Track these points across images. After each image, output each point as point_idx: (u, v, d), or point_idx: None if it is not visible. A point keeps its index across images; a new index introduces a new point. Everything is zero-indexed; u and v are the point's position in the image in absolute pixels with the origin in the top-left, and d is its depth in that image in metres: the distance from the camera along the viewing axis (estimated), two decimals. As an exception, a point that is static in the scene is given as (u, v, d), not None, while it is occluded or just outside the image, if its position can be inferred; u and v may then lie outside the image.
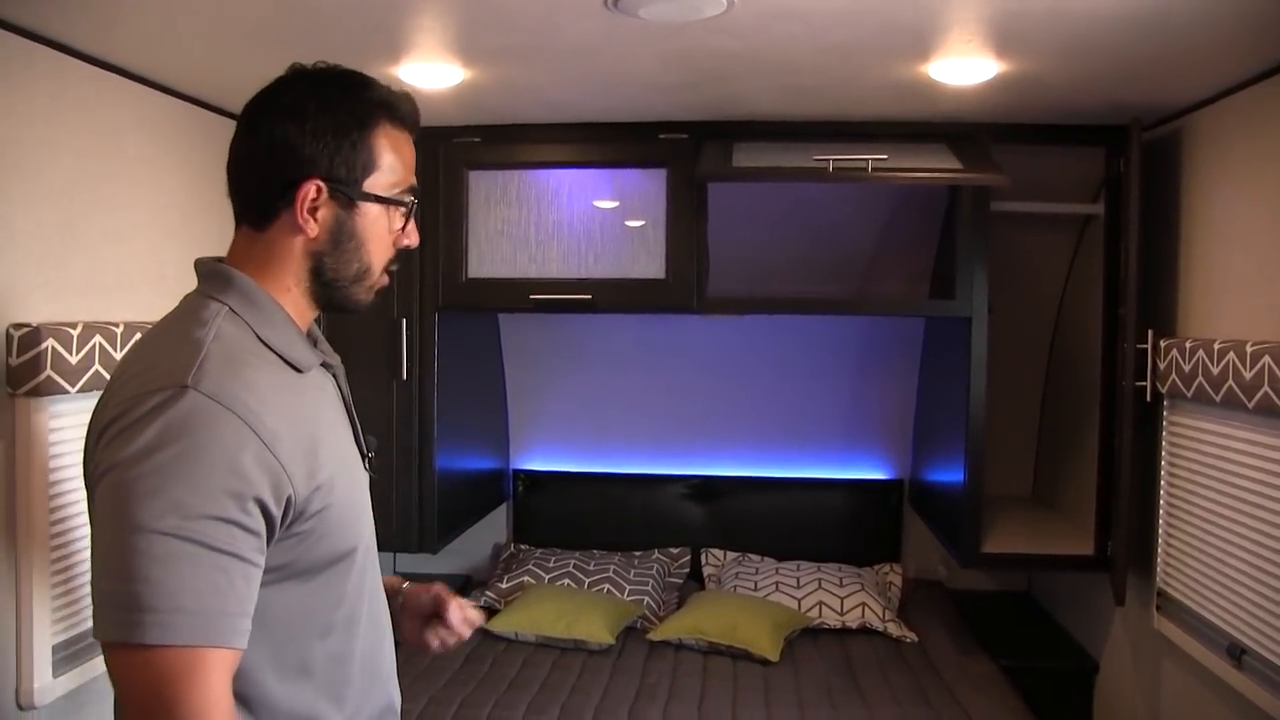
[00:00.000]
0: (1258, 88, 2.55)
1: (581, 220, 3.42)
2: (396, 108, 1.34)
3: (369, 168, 1.31)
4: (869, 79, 2.68)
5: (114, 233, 2.53)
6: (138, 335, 2.46)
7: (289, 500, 1.18)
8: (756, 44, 2.37)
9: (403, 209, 1.37)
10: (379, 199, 1.33)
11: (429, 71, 2.59)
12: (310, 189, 1.27)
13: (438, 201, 3.41)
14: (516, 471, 4.50)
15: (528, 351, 4.42)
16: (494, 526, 4.46)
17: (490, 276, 3.44)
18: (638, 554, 4.28)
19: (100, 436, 1.16)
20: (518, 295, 3.41)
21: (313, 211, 1.28)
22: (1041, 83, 2.67)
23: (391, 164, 1.33)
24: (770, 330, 4.27)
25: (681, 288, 3.36)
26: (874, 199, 3.75)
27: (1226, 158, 2.71)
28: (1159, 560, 3.01)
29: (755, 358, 4.36)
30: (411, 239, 1.40)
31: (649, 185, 3.39)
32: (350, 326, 3.42)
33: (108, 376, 2.32)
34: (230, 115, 3.02)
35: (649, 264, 3.39)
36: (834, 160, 2.89)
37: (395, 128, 1.34)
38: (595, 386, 4.43)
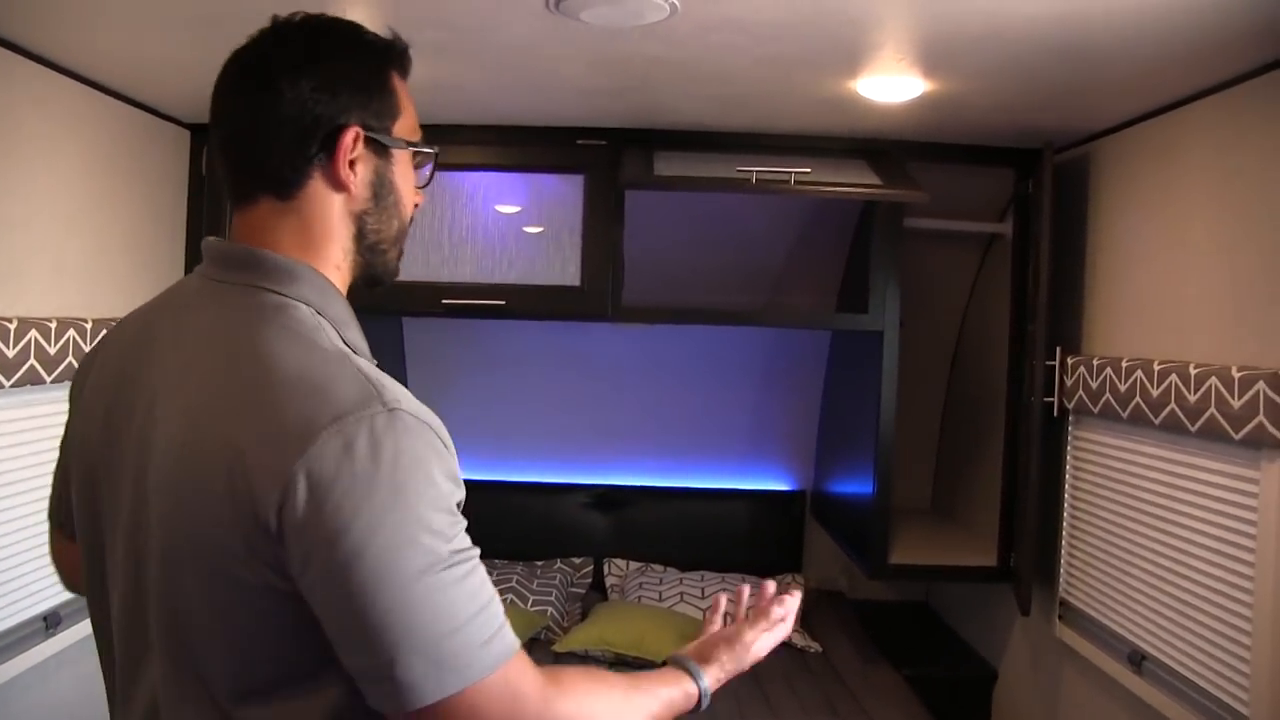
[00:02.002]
0: (1163, 118, 2.66)
1: (496, 224, 3.36)
2: (403, 56, 1.23)
3: (395, 114, 1.20)
4: (798, 92, 2.70)
5: (7, 219, 2.38)
6: (33, 332, 2.33)
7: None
8: (692, 53, 2.36)
9: (425, 157, 1.26)
10: (410, 145, 1.22)
11: (353, 67, 2.51)
12: (349, 137, 1.13)
13: (348, 201, 3.32)
14: (415, 478, 4.40)
15: (431, 354, 4.33)
16: (391, 535, 4.36)
17: (400, 279, 3.33)
18: (539, 564, 4.22)
19: (288, 498, 0.96)
20: (429, 299, 3.33)
21: (351, 164, 1.15)
22: (963, 104, 2.73)
23: (409, 111, 1.23)
24: (676, 339, 4.26)
25: (596, 295, 3.33)
26: (786, 213, 3.77)
27: (1132, 183, 2.81)
28: (1062, 571, 3.10)
29: (660, 366, 4.35)
30: (421, 197, 1.28)
31: (565, 191, 3.35)
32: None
33: (-1, 376, 2.21)
34: (140, 105, 2.90)
35: (564, 271, 3.35)
36: (757, 172, 2.91)
37: (400, 77, 1.23)
38: (497, 392, 4.36)
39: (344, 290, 1.19)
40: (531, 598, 3.91)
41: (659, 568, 4.26)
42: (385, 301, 3.37)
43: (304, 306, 1.11)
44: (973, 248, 3.77)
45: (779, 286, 3.93)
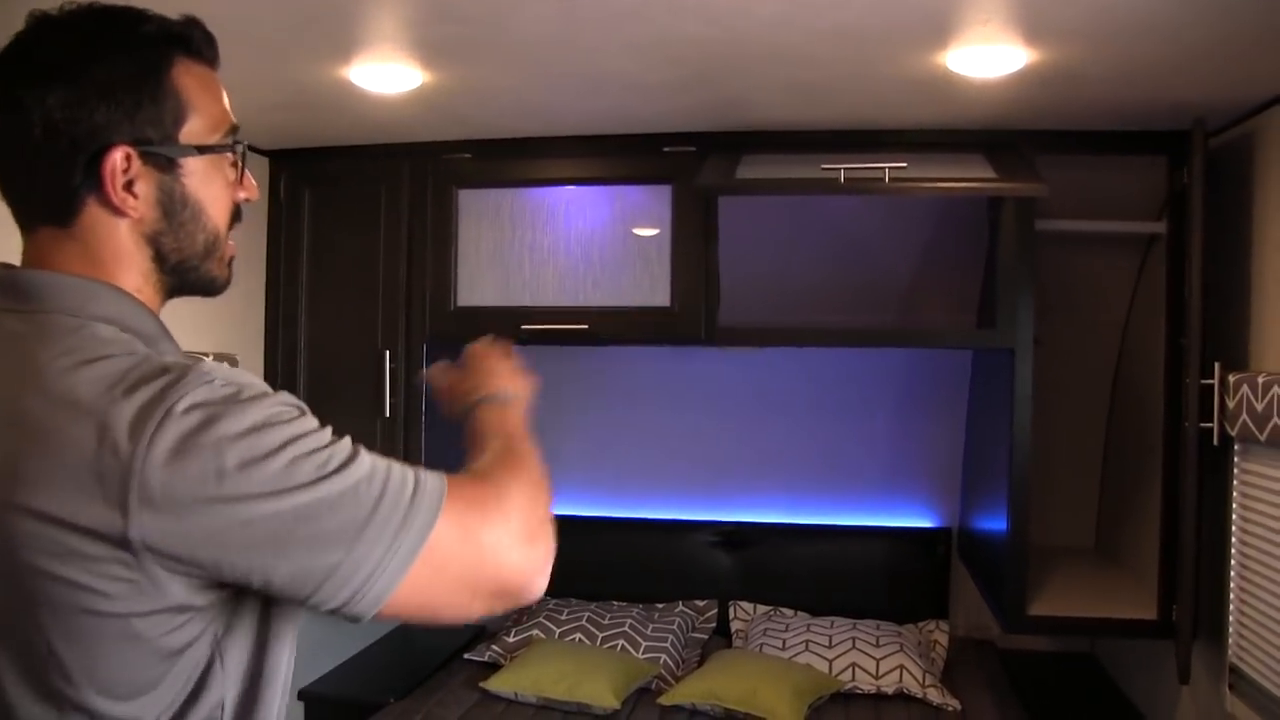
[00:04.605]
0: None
1: (579, 243, 3.12)
2: (189, 38, 1.05)
3: (181, 116, 1.03)
4: (880, 73, 2.35)
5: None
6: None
7: None
8: (740, 30, 2.06)
9: (233, 156, 1.09)
10: (205, 149, 1.05)
11: (383, 73, 2.34)
12: (116, 158, 0.99)
13: (425, 223, 3.15)
14: (531, 515, 4.19)
15: (541, 386, 4.10)
16: (507, 574, 4.16)
17: (480, 305, 3.16)
18: (660, 606, 3.93)
19: (142, 485, 0.88)
20: (508, 325, 3.11)
21: (128, 186, 1.00)
22: (1083, 76, 2.32)
23: (205, 105, 1.05)
24: (806, 364, 3.92)
25: (689, 317, 3.04)
26: (911, 219, 3.40)
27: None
28: (1230, 630, 2.60)
29: (789, 394, 4.00)
30: (250, 191, 1.13)
31: (653, 203, 3.08)
32: (331, 359, 3.19)
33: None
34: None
35: (653, 290, 3.08)
36: (845, 170, 2.56)
37: (194, 62, 1.05)
38: (615, 425, 4.11)
39: (157, 308, 1.08)
40: (644, 644, 3.62)
41: (789, 612, 3.91)
42: (466, 330, 3.16)
43: (105, 325, 0.99)
44: (1130, 252, 3.28)
45: (909, 302, 3.54)
